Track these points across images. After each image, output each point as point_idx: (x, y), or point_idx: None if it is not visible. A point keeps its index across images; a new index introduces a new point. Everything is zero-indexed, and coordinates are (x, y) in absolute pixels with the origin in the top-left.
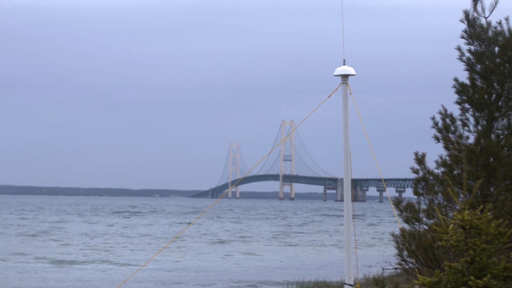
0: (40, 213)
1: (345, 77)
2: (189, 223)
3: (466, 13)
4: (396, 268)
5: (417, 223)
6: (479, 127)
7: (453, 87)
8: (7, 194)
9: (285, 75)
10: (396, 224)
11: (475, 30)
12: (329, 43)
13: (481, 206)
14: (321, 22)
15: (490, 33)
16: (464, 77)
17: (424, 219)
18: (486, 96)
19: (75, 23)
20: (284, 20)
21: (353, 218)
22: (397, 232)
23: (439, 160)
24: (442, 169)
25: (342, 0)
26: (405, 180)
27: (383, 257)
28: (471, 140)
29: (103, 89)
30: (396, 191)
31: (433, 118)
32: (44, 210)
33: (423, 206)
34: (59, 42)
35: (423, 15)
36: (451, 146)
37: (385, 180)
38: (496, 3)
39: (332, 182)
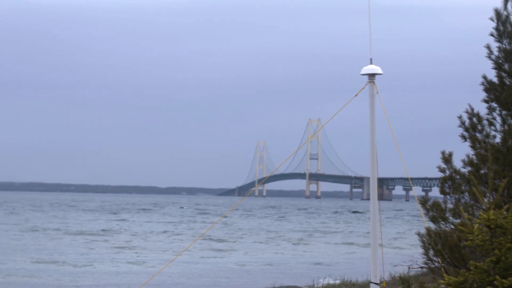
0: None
1: (372, 76)
2: (217, 221)
3: (497, 12)
4: (422, 267)
5: (443, 222)
6: (506, 126)
7: (481, 84)
8: (37, 191)
9: (312, 74)
10: (422, 223)
11: (505, 28)
12: (357, 42)
13: (507, 206)
14: (348, 21)
15: None
16: (491, 75)
17: (450, 218)
18: None
19: (97, 22)
20: (309, 19)
21: (379, 217)
22: (423, 231)
23: (466, 159)
24: (469, 168)
25: (369, 0)
26: (431, 179)
27: (409, 256)
28: (498, 139)
29: (129, 88)
30: (423, 190)
31: (460, 117)
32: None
33: (449, 205)
34: (84, 41)
35: (447, 14)
36: (477, 145)
37: (411, 179)
38: None
39: (358, 181)
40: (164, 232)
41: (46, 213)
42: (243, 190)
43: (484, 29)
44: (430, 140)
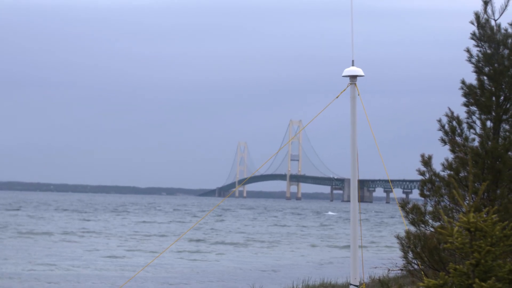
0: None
1: (353, 78)
2: (197, 221)
3: (477, 15)
4: (401, 270)
5: (423, 225)
6: (485, 130)
7: (460, 88)
8: (16, 190)
9: (294, 76)
10: (402, 225)
11: (485, 32)
12: (339, 44)
13: (487, 209)
14: (331, 23)
15: (499, 35)
16: (472, 79)
17: (430, 221)
18: (493, 99)
19: (85, 22)
20: (293, 21)
21: (359, 219)
22: (403, 234)
23: (445, 162)
24: (448, 172)
25: (351, 1)
26: (412, 181)
27: (389, 258)
28: (477, 142)
29: (111, 88)
30: (403, 192)
31: (439, 121)
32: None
33: (429, 208)
34: (71, 41)
35: (431, 18)
36: (457, 148)
37: (392, 181)
38: (506, 5)
39: (339, 183)
40: (135, 232)
41: None
42: (224, 191)
43: (465, 32)
44: (413, 142)
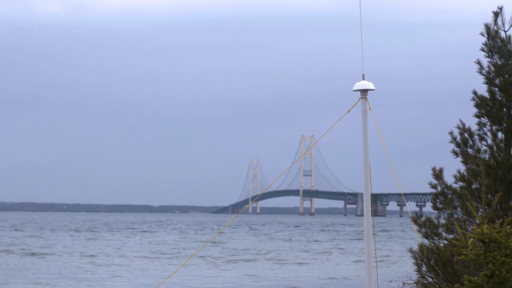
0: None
1: (364, 92)
2: (211, 238)
3: (487, 26)
4: (416, 283)
5: (436, 238)
6: (496, 141)
7: (472, 99)
8: (29, 211)
9: (305, 91)
10: (416, 238)
11: (495, 43)
12: (349, 59)
13: (500, 220)
14: (340, 38)
15: (509, 46)
16: (483, 90)
17: (444, 233)
18: (504, 110)
19: (88, 41)
20: (303, 37)
21: (373, 233)
22: (416, 247)
23: (458, 174)
24: (461, 184)
25: (360, 16)
26: (425, 194)
27: (404, 272)
28: (488, 154)
29: (122, 107)
30: (417, 205)
31: (451, 133)
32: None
33: (442, 221)
34: (75, 60)
35: (440, 30)
36: (469, 160)
37: (405, 194)
38: None
39: (352, 197)
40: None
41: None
42: (237, 208)
43: (475, 44)
44: (426, 155)
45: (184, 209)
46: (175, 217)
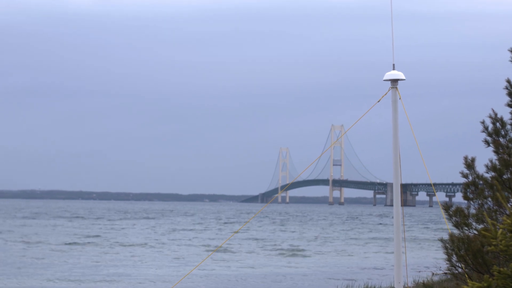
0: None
1: (394, 81)
2: (238, 229)
3: None
4: (445, 273)
5: (466, 228)
6: None
7: (505, 88)
8: (58, 199)
9: (336, 80)
10: (445, 228)
11: None
12: (380, 49)
13: None
14: (371, 28)
15: None
16: None
17: (474, 223)
18: None
19: (122, 31)
20: (333, 26)
21: (403, 223)
22: (446, 237)
23: (489, 164)
24: (492, 174)
25: (391, 6)
26: (455, 184)
27: (433, 262)
28: None
29: (150, 96)
30: (446, 195)
31: (483, 122)
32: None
33: (473, 211)
34: (108, 50)
35: (472, 20)
36: (501, 150)
37: (435, 184)
38: None
39: (381, 187)
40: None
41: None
42: (266, 197)
43: (508, 34)
44: (456, 145)
45: (213, 198)
46: (204, 206)
